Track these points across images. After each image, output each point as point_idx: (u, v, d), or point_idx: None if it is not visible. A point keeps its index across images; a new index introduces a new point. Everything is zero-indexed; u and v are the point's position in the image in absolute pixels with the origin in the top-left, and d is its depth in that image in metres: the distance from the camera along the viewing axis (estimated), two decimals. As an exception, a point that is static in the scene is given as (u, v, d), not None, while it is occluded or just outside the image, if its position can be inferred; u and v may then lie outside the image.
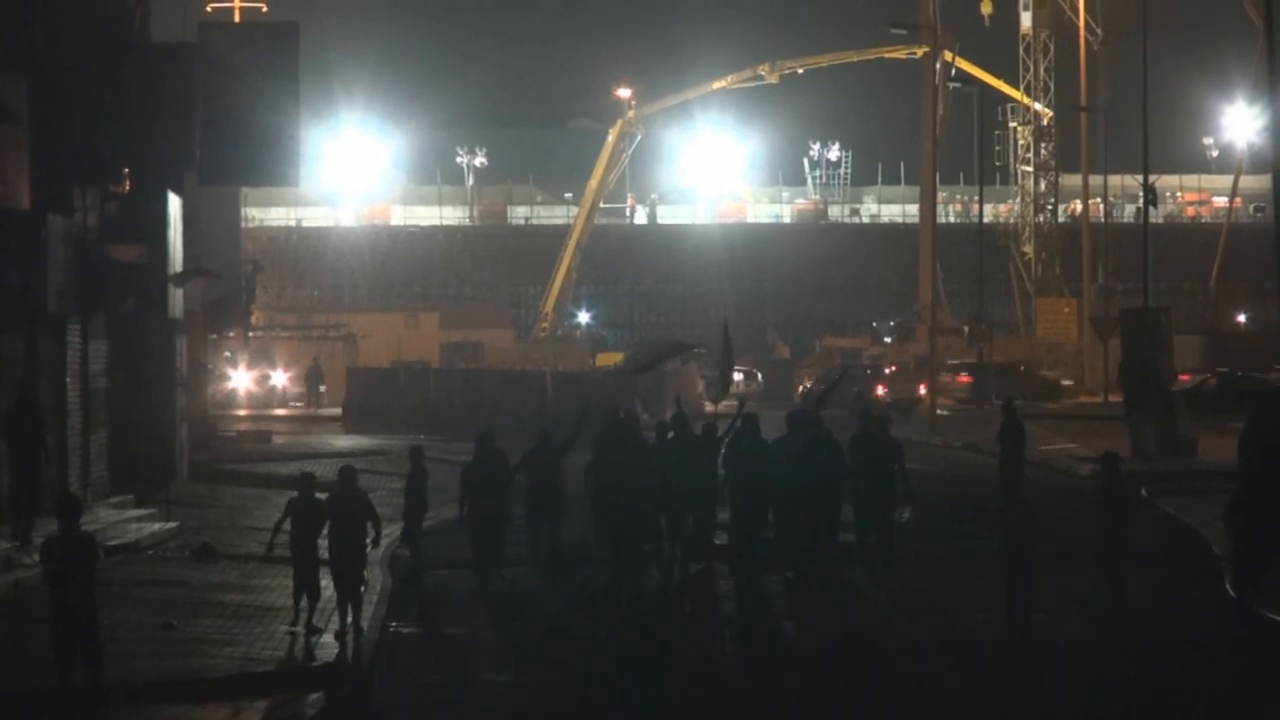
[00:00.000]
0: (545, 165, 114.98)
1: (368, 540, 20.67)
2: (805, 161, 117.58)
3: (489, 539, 24.37)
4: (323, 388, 68.66)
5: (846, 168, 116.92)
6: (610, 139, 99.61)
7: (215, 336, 53.03)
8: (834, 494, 24.99)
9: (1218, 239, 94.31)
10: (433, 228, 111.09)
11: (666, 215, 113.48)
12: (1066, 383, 74.30)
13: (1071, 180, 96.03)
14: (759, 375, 74.75)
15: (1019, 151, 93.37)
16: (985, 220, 70.47)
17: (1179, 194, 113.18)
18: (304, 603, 20.60)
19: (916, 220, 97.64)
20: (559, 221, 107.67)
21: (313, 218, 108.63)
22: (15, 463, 25.48)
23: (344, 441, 49.68)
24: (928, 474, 36.67)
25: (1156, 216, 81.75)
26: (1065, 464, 41.49)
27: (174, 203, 34.25)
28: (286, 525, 20.98)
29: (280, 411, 66.25)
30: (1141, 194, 53.14)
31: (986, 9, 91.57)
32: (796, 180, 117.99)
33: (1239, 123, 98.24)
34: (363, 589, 20.61)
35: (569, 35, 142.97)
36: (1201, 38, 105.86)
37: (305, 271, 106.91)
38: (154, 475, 32.18)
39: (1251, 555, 21.75)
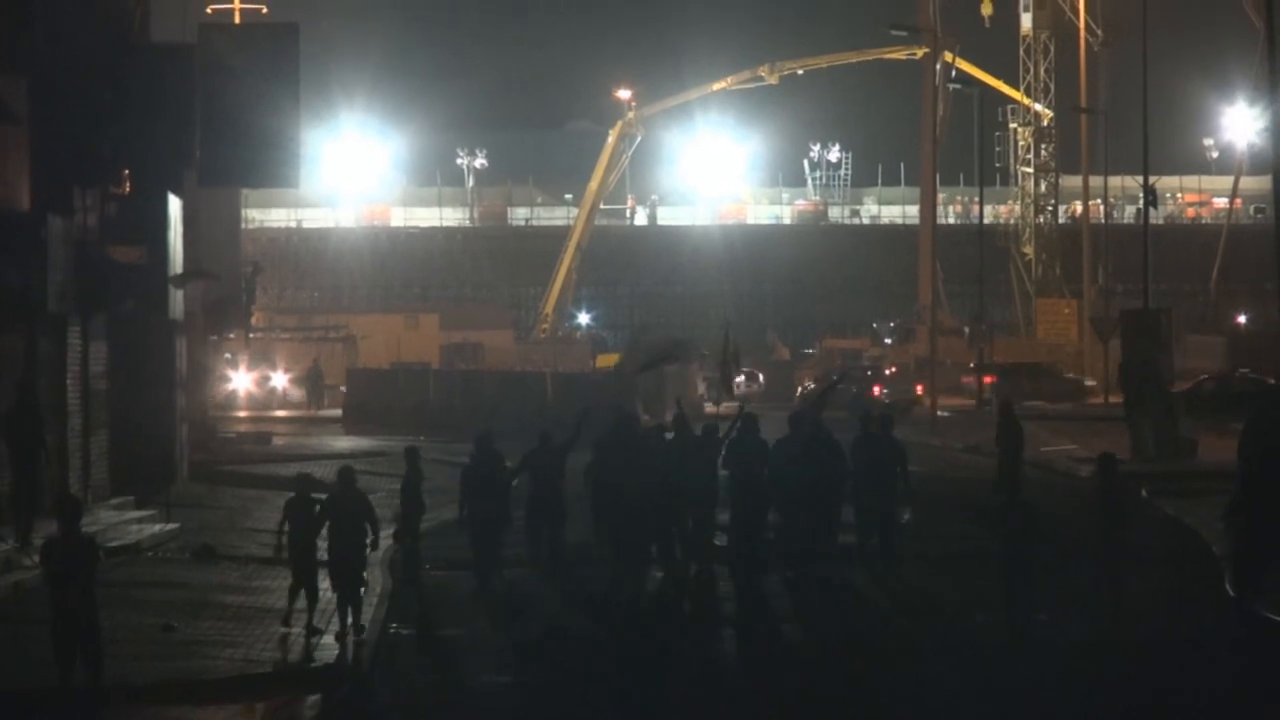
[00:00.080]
0: (545, 166, 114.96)
1: (367, 541, 20.64)
2: (805, 163, 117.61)
3: (489, 540, 24.37)
4: (342, 387, 67.77)
5: (846, 169, 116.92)
6: (610, 140, 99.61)
7: (215, 338, 53.01)
8: (834, 494, 24.99)
9: (1218, 240, 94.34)
10: (433, 229, 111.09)
11: (666, 216, 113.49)
12: (1090, 383, 74.18)
13: (1072, 181, 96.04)
14: (760, 377, 74.75)
15: (1019, 152, 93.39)
16: (985, 221, 70.44)
17: (1179, 195, 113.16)
18: (300, 603, 20.59)
19: (917, 221, 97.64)
20: (559, 223, 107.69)
21: (313, 219, 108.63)
22: (15, 463, 25.48)
23: (344, 443, 49.69)
24: (928, 475, 36.66)
25: (1157, 217, 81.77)
26: (1065, 465, 41.50)
27: (174, 204, 34.26)
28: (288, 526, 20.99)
29: (280, 413, 66.24)
30: (1142, 195, 53.14)
31: (987, 10, 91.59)
32: (796, 181, 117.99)
33: (1239, 124, 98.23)
34: (363, 590, 20.61)
35: (569, 37, 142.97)
36: (1201, 38, 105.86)
37: (305, 273, 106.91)
38: (154, 476, 32.17)
39: (1251, 556, 21.74)
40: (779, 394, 70.11)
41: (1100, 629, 20.67)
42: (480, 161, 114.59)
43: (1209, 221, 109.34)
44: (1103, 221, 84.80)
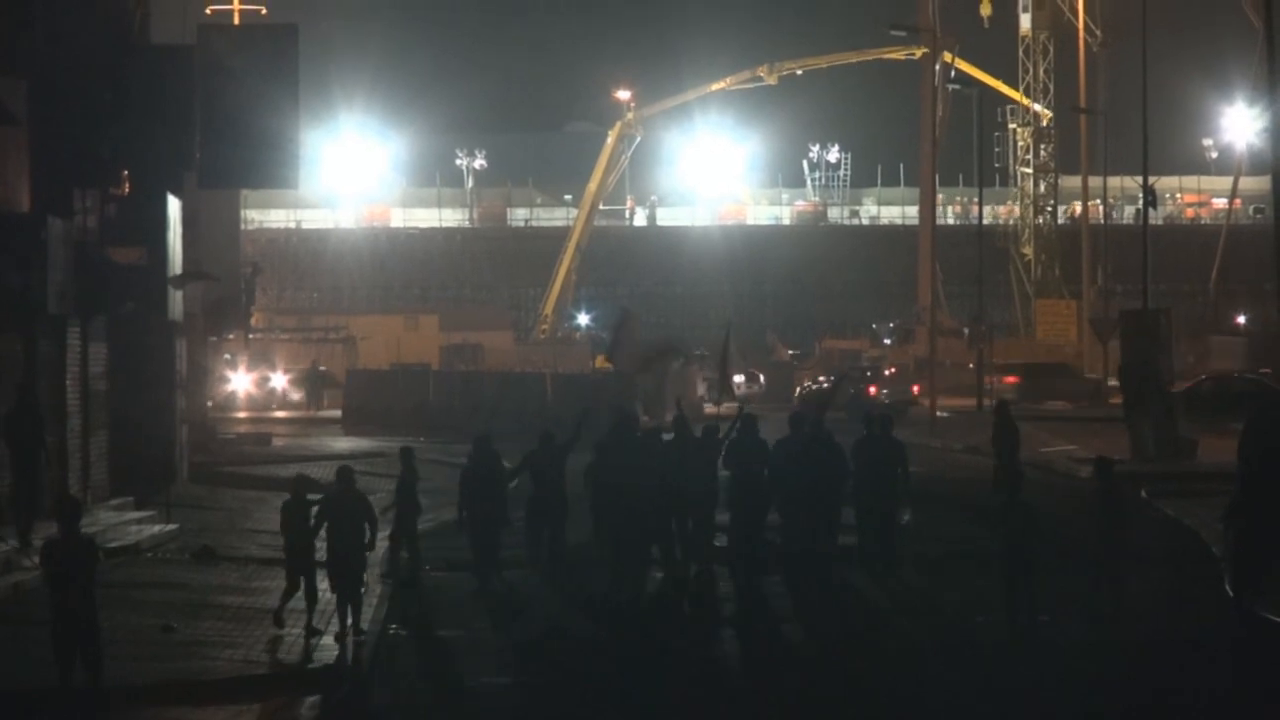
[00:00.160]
0: (544, 167, 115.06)
1: (366, 541, 20.61)
2: (805, 163, 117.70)
3: (488, 541, 24.37)
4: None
5: (846, 169, 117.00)
6: (609, 141, 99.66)
7: (215, 339, 53.01)
8: (834, 495, 24.99)
9: (1217, 240, 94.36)
10: (432, 230, 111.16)
11: (666, 217, 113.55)
12: (1113, 383, 74.12)
13: (1071, 182, 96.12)
14: (761, 378, 74.74)
15: (1018, 153, 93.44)
16: (985, 222, 70.49)
17: (1178, 195, 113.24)
18: (292, 604, 20.55)
19: (916, 222, 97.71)
20: (558, 223, 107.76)
21: (312, 220, 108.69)
22: (15, 464, 25.48)
23: (344, 444, 49.69)
24: (928, 476, 36.65)
25: (1156, 218, 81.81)
26: (1065, 466, 41.50)
27: (174, 205, 34.25)
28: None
29: (280, 413, 66.23)
30: (1141, 195, 53.14)
31: (986, 10, 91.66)
32: (796, 182, 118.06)
33: (1238, 124, 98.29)
34: (362, 591, 20.60)
35: (568, 38, 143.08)
36: (1201, 39, 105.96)
37: (305, 274, 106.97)
38: (154, 477, 32.17)
39: (1251, 557, 21.75)
40: (779, 394, 70.11)
41: (1100, 629, 20.67)
42: (480, 162, 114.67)
43: (1208, 222, 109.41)
44: (1102, 222, 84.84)
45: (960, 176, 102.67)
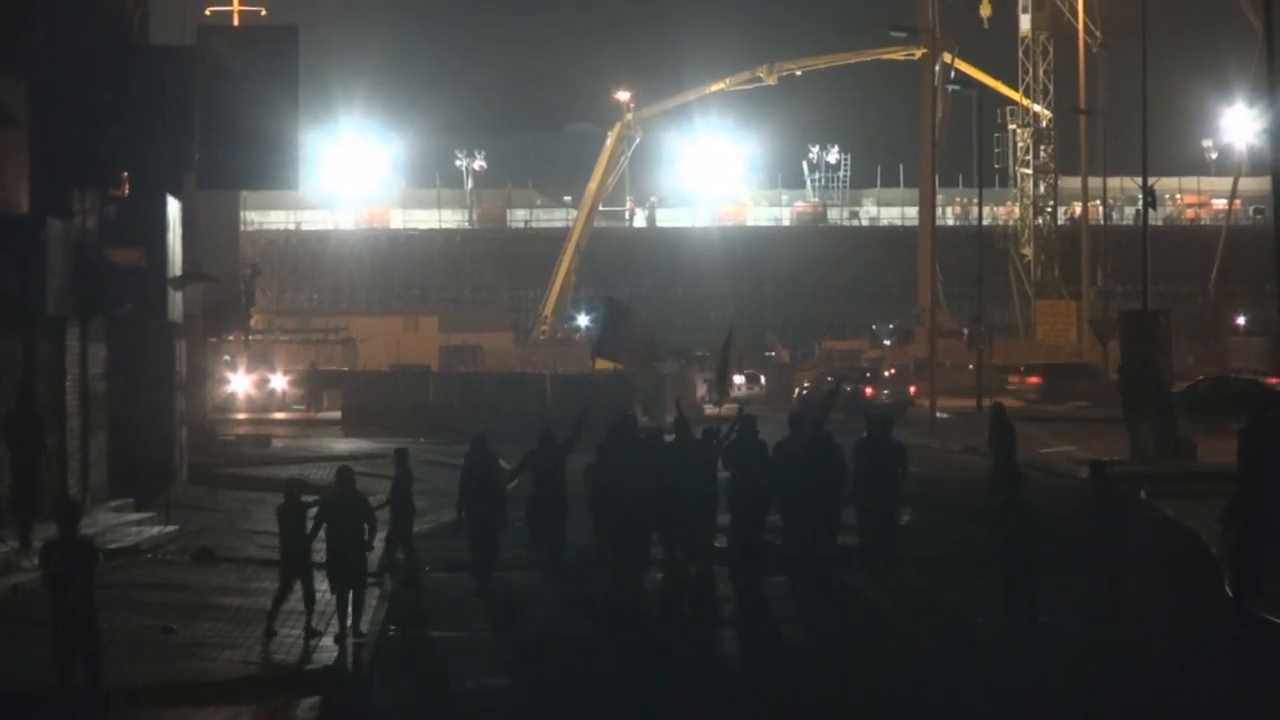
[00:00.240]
0: (544, 169, 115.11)
1: (365, 542, 20.59)
2: (804, 164, 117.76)
3: (487, 541, 24.37)
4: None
5: (845, 170, 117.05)
6: (609, 142, 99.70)
7: (214, 340, 53.02)
8: (834, 495, 24.99)
9: (1217, 241, 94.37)
10: (432, 231, 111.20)
11: (666, 218, 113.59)
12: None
13: (1071, 182, 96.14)
14: (761, 378, 74.75)
15: (1018, 154, 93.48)
16: (984, 223, 70.50)
17: (1178, 196, 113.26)
18: (285, 607, 20.51)
19: (916, 223, 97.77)
20: (558, 225, 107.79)
21: (312, 221, 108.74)
22: (15, 466, 25.48)
23: (343, 445, 49.69)
24: (927, 477, 36.65)
25: (1156, 219, 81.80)
26: (1065, 467, 41.49)
27: (173, 206, 34.23)
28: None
29: (279, 415, 66.23)
30: (1141, 196, 53.15)
31: (985, 11, 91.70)
32: (796, 183, 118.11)
33: (1238, 125, 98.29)
34: (365, 590, 20.59)
35: (568, 39, 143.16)
36: (1201, 39, 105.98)
37: (304, 275, 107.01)
38: (153, 479, 32.15)
39: (1250, 557, 21.76)
40: (779, 395, 70.12)
41: (1100, 629, 20.68)
42: (479, 163, 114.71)
43: (1208, 223, 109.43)
44: (1102, 223, 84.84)
45: (960, 177, 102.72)
